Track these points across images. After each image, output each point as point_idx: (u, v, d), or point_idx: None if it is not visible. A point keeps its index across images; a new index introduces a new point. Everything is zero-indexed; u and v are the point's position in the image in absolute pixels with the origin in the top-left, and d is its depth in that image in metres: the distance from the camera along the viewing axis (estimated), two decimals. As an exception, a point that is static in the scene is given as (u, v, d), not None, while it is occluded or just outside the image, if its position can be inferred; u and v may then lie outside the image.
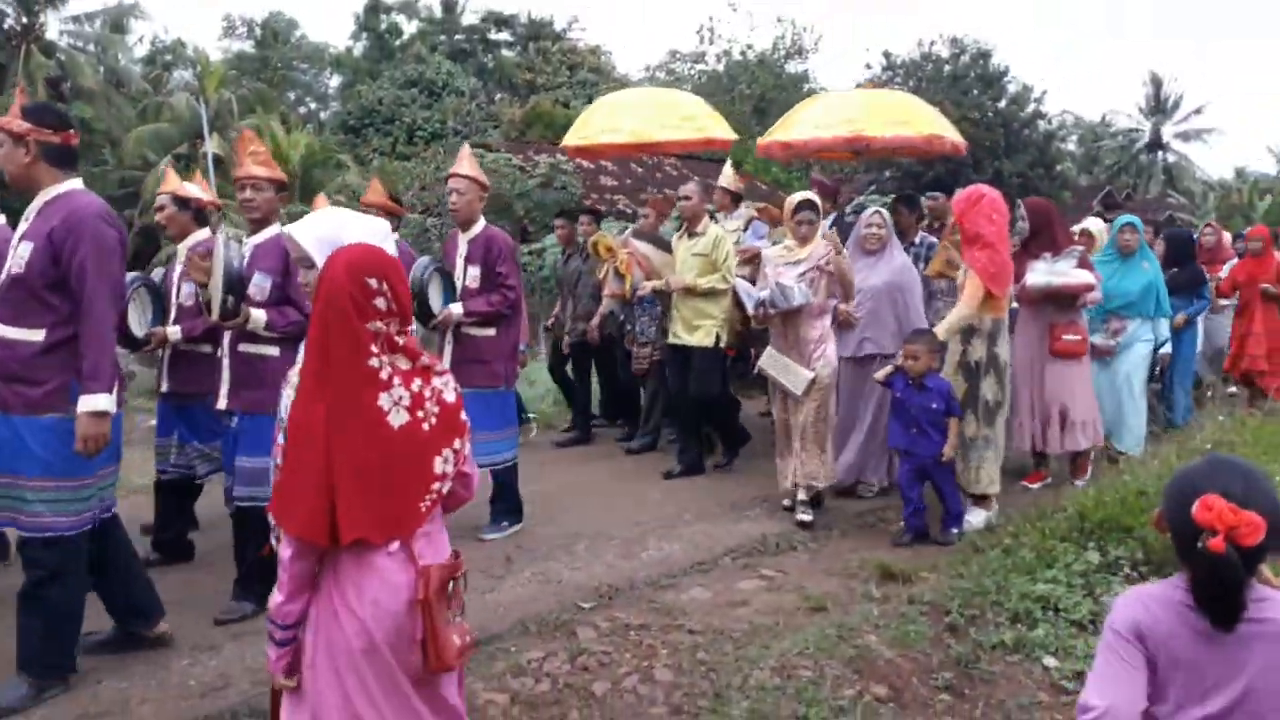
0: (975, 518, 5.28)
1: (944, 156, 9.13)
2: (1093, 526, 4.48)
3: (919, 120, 7.21)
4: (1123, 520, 4.42)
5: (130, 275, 4.41)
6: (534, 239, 15.39)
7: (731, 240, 6.91)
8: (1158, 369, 6.89)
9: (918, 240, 6.76)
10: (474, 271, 5.19)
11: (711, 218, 6.94)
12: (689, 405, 6.65)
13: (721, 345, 6.43)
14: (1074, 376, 5.92)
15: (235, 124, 26.38)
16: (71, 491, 3.37)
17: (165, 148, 26.29)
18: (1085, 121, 46.13)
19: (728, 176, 7.65)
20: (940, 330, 5.19)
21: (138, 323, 4.66)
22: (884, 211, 6.32)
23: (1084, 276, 5.74)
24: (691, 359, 6.44)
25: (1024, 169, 25.59)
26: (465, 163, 5.36)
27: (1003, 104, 26.83)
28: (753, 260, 6.85)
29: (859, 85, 9.35)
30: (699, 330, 6.39)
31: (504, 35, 40.83)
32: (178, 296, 4.84)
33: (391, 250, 2.40)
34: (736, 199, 7.66)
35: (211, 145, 19.70)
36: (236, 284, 3.93)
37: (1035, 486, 6.08)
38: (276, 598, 2.18)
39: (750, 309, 5.59)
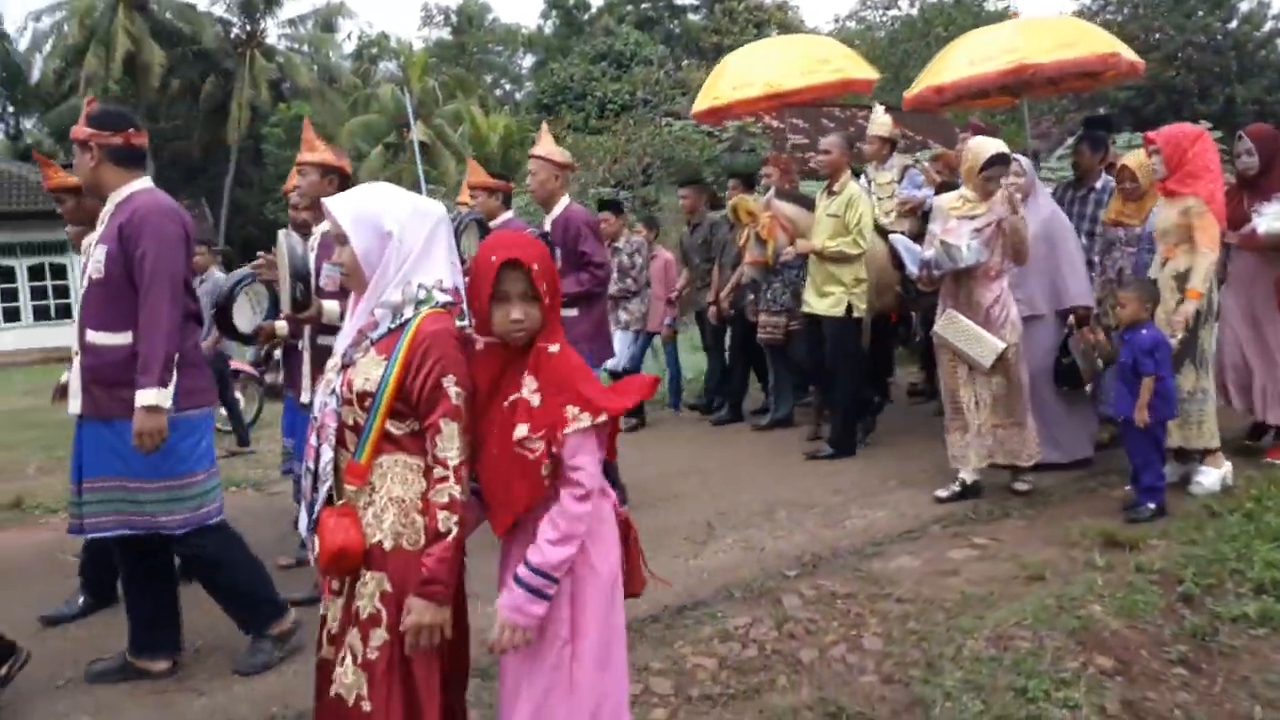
0: (1208, 478, 4.92)
1: (1125, 81, 8.01)
2: (1353, 488, 4.07)
3: (1088, 39, 6.43)
4: (1388, 481, 3.99)
5: (242, 270, 4.43)
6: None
7: (888, 193, 6.59)
8: None
9: (1099, 185, 6.04)
10: (555, 253, 4.95)
11: (856, 175, 6.51)
12: (828, 380, 6.35)
13: (855, 315, 6.06)
14: None
15: (439, 110, 27.68)
16: (181, 489, 3.40)
17: (375, 138, 27.95)
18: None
19: (879, 122, 7.02)
20: (1196, 282, 4.79)
21: (248, 318, 4.41)
22: (1022, 159, 5.60)
23: None
24: (822, 329, 6.17)
25: (1260, 94, 23.27)
26: (542, 142, 5.24)
27: (1233, 25, 24.43)
28: (913, 213, 6.54)
29: (1010, 13, 7.75)
30: (828, 298, 6.07)
31: (689, 0, 40.72)
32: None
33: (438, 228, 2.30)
34: (892, 146, 7.11)
35: (418, 133, 20.70)
36: (303, 274, 3.82)
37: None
38: (561, 551, 2.18)
39: (912, 269, 5.26)
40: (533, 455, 2.13)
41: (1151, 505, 4.61)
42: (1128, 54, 6.43)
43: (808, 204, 6.53)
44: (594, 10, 42.02)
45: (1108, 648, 3.34)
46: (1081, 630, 3.43)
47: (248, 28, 33.47)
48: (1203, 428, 4.94)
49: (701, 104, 7.86)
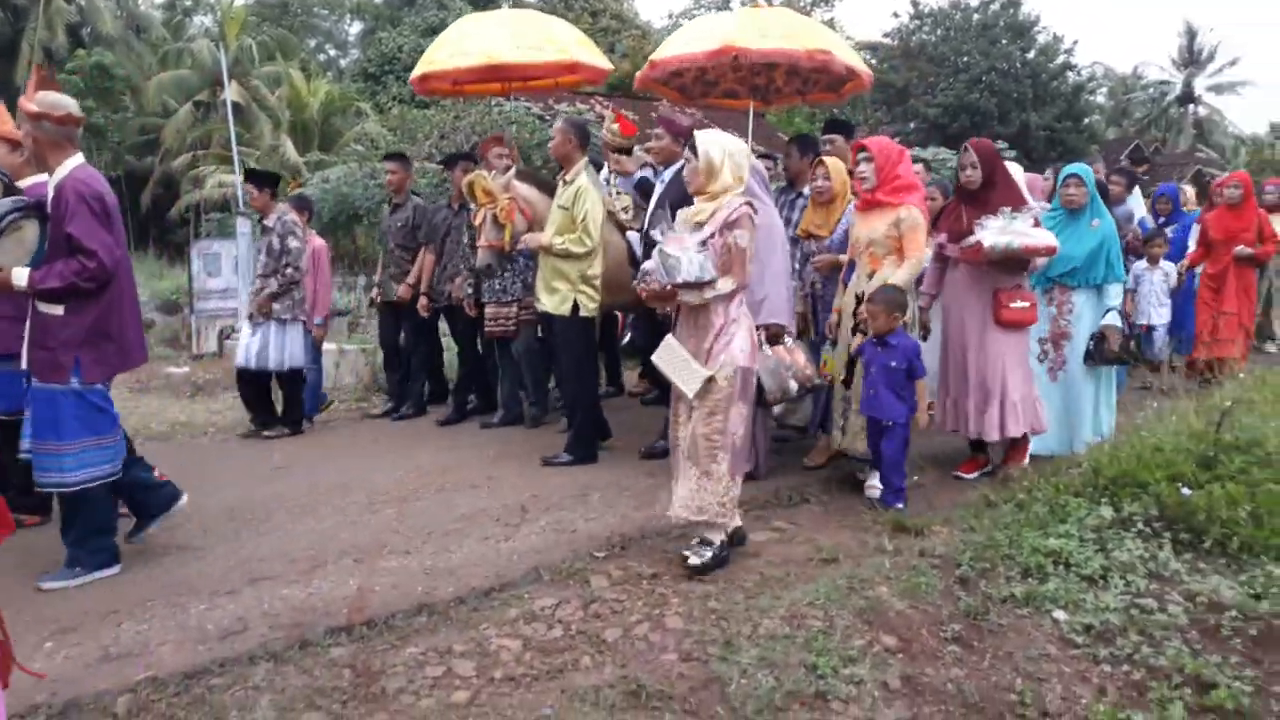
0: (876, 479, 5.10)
1: (859, 94, 8.15)
2: (1106, 482, 4.46)
3: (806, 36, 6.32)
4: (1138, 476, 4.40)
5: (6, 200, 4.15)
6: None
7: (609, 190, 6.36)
8: (1092, 344, 5.67)
9: (808, 191, 5.87)
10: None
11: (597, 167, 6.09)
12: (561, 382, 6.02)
13: (582, 314, 5.68)
14: (1015, 349, 5.25)
15: (255, 70, 26.30)
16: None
17: (186, 94, 26.29)
18: (1116, 73, 45.27)
19: (609, 128, 6.67)
20: (901, 280, 4.86)
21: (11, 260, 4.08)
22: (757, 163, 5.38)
23: (1046, 237, 5.03)
24: (553, 327, 5.91)
25: (1051, 122, 25.18)
26: (29, 92, 4.14)
27: (1031, 55, 26.32)
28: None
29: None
30: (555, 295, 5.71)
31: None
32: None
33: None
34: (625, 151, 6.86)
35: (232, 92, 19.62)
36: None
37: (972, 476, 5.47)
38: None
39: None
40: None
41: (900, 505, 4.80)
42: (848, 60, 6.35)
43: (552, 189, 6.11)
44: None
45: (892, 627, 3.53)
46: (869, 610, 3.62)
47: (44, -37, 30.74)
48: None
49: (417, 71, 7.35)
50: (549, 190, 6.08)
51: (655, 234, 4.16)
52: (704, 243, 4.01)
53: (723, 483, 4.09)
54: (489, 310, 6.66)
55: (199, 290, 12.98)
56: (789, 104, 7.94)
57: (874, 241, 5.00)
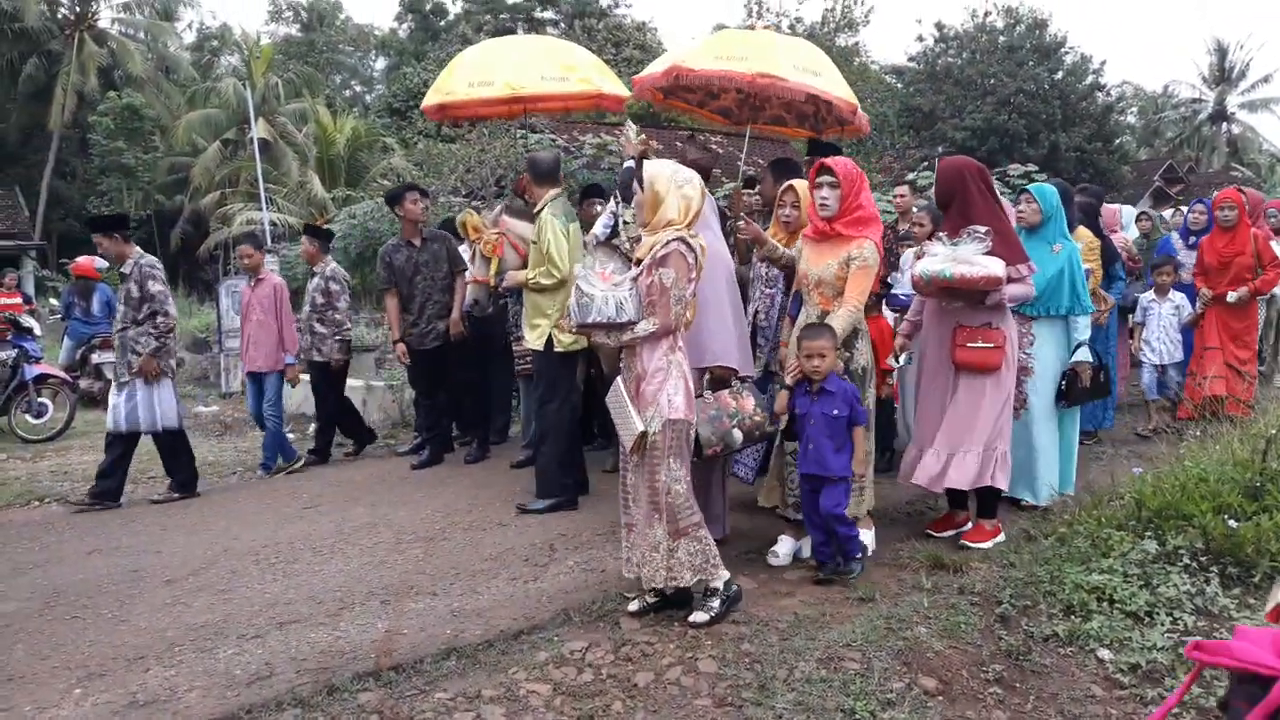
0: (784, 547, 4.65)
1: (845, 137, 7.69)
2: (1150, 514, 4.34)
3: (761, 59, 6.00)
4: (1182, 508, 4.27)
5: None
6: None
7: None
8: (1064, 383, 5.24)
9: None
10: None
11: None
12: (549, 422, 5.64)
13: (557, 348, 5.48)
14: (988, 395, 4.63)
15: (282, 107, 26.70)
16: None
17: (214, 133, 26.72)
18: (1146, 93, 44.96)
19: (630, 140, 6.57)
20: (837, 327, 4.26)
21: None
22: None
23: (992, 266, 4.40)
24: (537, 364, 5.72)
25: (1081, 143, 24.97)
26: None
27: (1059, 75, 26.16)
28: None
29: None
30: (535, 330, 5.56)
31: (548, 14, 40.72)
32: None
33: None
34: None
35: (258, 130, 19.88)
36: None
37: (947, 535, 4.93)
38: None
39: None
40: None
41: (859, 556, 4.36)
42: (800, 81, 5.95)
43: None
44: (451, 17, 41.50)
45: (931, 668, 3.44)
46: (907, 651, 3.52)
47: (76, 8, 31.45)
48: (865, 494, 4.57)
49: (433, 99, 7.07)
50: None
51: (578, 269, 3.88)
52: (633, 280, 3.72)
53: (663, 546, 3.75)
54: (517, 349, 6.57)
55: (227, 328, 13.08)
56: (774, 131, 7.66)
57: (823, 282, 4.45)
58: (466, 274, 6.14)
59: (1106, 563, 4.07)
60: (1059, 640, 3.64)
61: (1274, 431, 4.75)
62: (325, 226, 9.86)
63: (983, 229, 4.44)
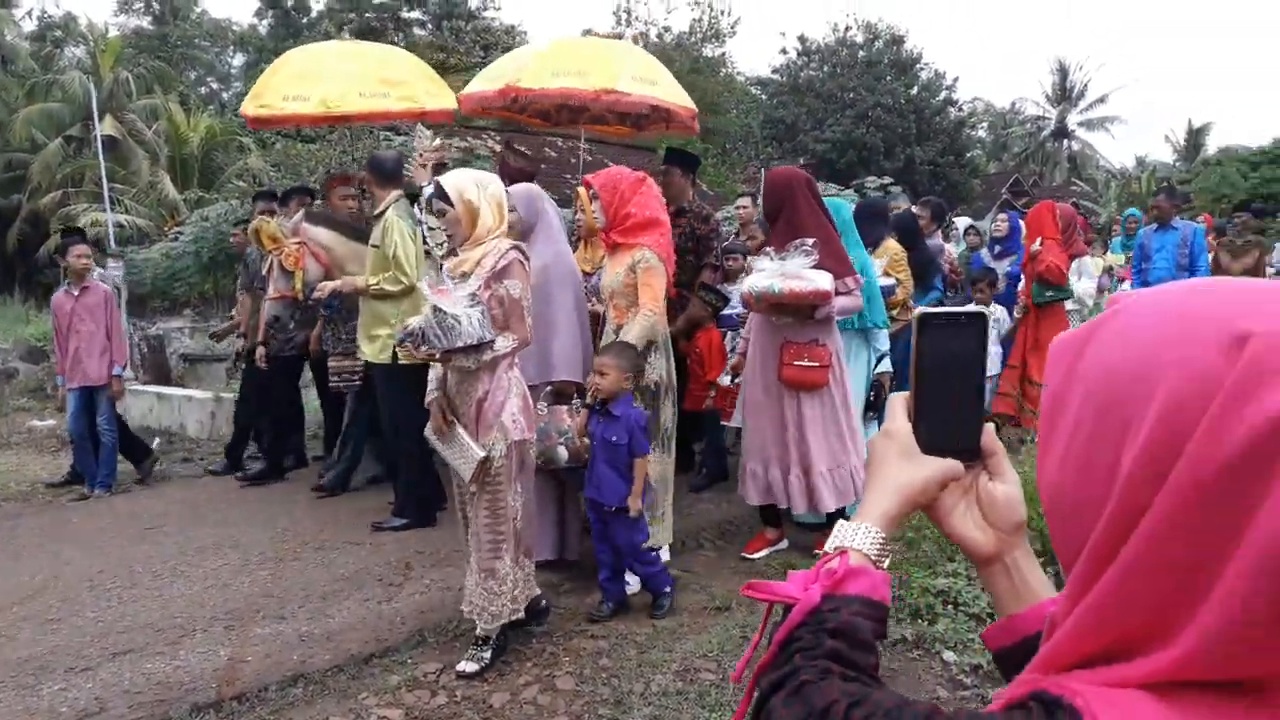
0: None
1: (682, 135, 7.83)
2: (994, 519, 4.49)
3: (599, 72, 5.86)
4: (1021, 511, 4.44)
5: None
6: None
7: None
8: (872, 394, 5.11)
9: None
10: None
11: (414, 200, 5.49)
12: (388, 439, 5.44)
13: (402, 361, 5.02)
14: (819, 412, 4.53)
15: (132, 104, 25.43)
16: None
17: (56, 129, 25.22)
18: (995, 109, 47.19)
19: (425, 145, 5.75)
20: (632, 336, 4.13)
21: None
22: (514, 191, 4.42)
23: (820, 280, 4.29)
24: (374, 378, 5.39)
25: (935, 156, 26.02)
26: None
27: (915, 91, 27.20)
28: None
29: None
30: (375, 342, 5.25)
31: (416, 14, 40.03)
32: None
33: None
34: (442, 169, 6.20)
35: (103, 127, 18.87)
36: None
37: (760, 555, 4.78)
38: None
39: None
40: None
41: (667, 590, 4.12)
42: (645, 94, 5.95)
43: (352, 230, 5.69)
44: (314, 14, 40.33)
45: (785, 677, 3.49)
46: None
47: (-101, -10, 29.26)
48: (665, 520, 4.49)
49: (249, 108, 6.66)
50: (352, 232, 5.66)
51: (422, 286, 3.63)
52: (473, 295, 3.45)
53: (509, 579, 3.57)
54: (332, 363, 6.02)
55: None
56: (629, 135, 7.51)
57: (616, 293, 4.33)
58: (270, 288, 5.66)
59: (952, 566, 4.22)
60: (906, 644, 3.75)
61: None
62: (176, 230, 9.39)
63: (810, 242, 4.34)
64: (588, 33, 31.65)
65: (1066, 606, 0.66)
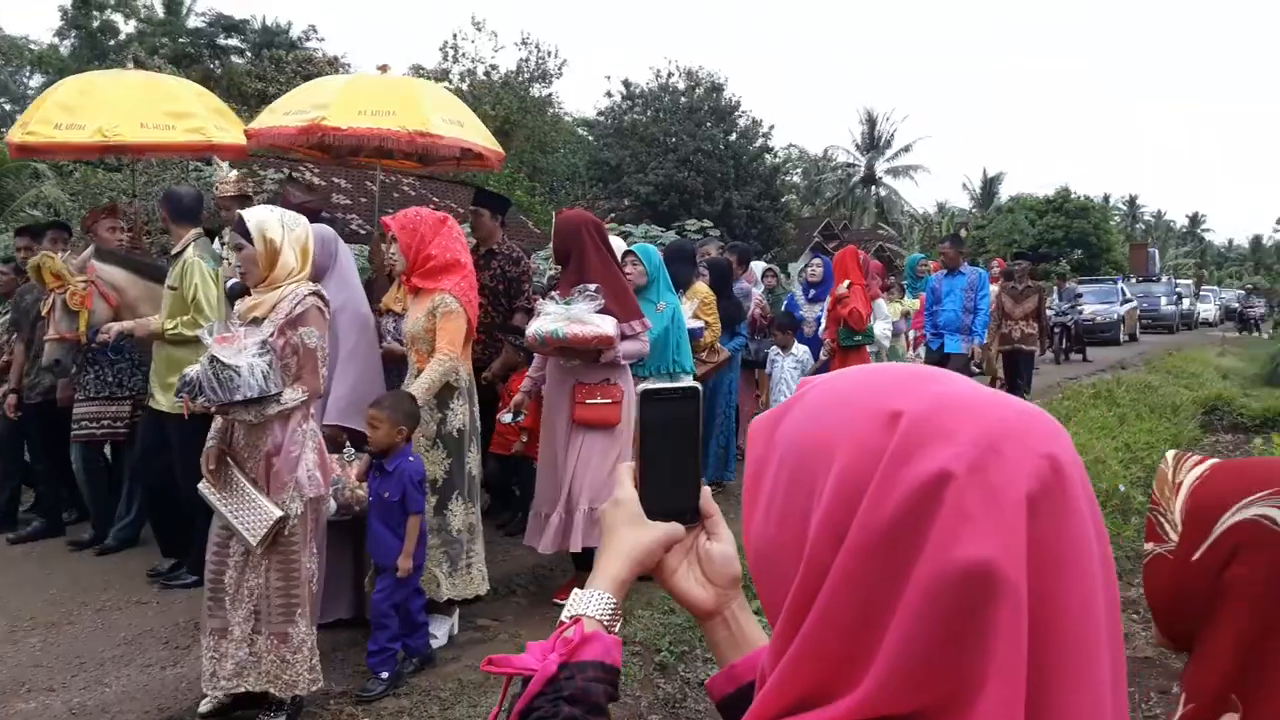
0: (441, 627, 4.27)
1: (483, 170, 7.78)
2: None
3: (409, 113, 5.73)
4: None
5: None
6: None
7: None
8: None
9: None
10: None
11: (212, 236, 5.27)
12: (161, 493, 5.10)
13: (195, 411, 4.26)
14: (607, 453, 4.52)
15: (-94, 124, 23.38)
16: None
17: None
18: (809, 155, 49.50)
19: (225, 180, 5.53)
20: (419, 389, 3.97)
21: None
22: (319, 226, 4.29)
23: (604, 325, 4.30)
24: (166, 430, 4.96)
25: (752, 200, 26.97)
26: None
27: (734, 137, 28.16)
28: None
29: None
30: (170, 390, 4.74)
31: (233, 41, 38.63)
32: None
33: None
34: (246, 202, 5.52)
35: None
36: None
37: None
38: None
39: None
40: None
41: (385, 674, 3.78)
42: (455, 136, 5.85)
43: (147, 269, 5.37)
44: (122, 37, 38.25)
45: (590, 726, 3.46)
46: (567, 711, 3.53)
47: None
48: (473, 570, 4.30)
49: (15, 134, 6.23)
50: (147, 271, 5.35)
51: (202, 334, 3.40)
52: (264, 343, 3.24)
53: (306, 645, 3.35)
54: (95, 408, 5.61)
55: None
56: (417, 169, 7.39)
57: (416, 338, 4.20)
58: (50, 329, 5.18)
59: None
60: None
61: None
62: None
63: (593, 287, 4.37)
64: (417, 69, 31.36)
65: (771, 661, 0.71)
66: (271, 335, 3.27)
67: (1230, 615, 1.02)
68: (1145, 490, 6.15)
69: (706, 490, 0.96)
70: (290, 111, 5.95)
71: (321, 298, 3.47)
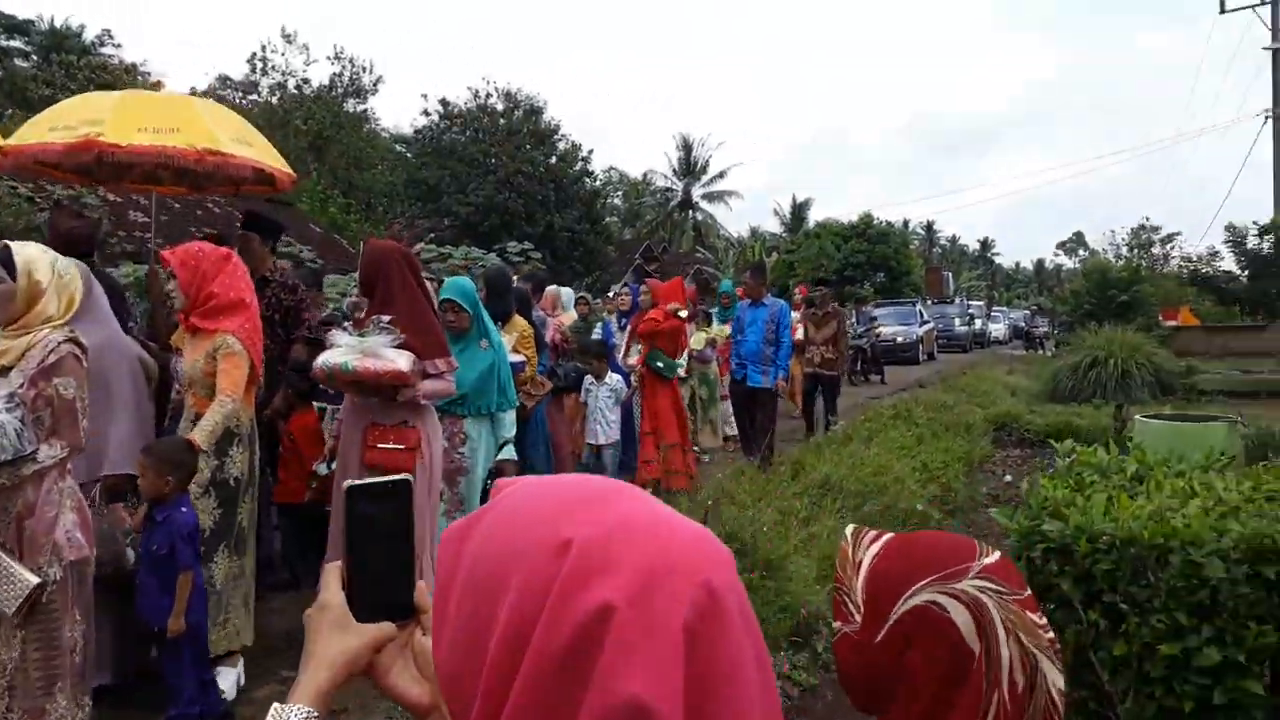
0: (226, 680, 3.97)
1: (274, 194, 7.26)
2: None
3: (194, 131, 5.42)
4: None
5: None
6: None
7: None
8: (491, 482, 4.38)
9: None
10: None
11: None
12: None
13: None
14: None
15: None
16: None
17: None
18: (629, 179, 50.39)
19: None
20: (200, 435, 3.69)
21: None
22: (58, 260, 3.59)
23: (399, 360, 3.99)
24: None
25: (572, 223, 27.24)
26: None
27: (554, 160, 28.38)
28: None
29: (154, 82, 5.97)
30: None
31: (17, 43, 35.84)
32: None
33: None
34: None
35: None
36: None
37: None
38: None
39: None
40: None
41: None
42: (249, 156, 5.62)
43: None
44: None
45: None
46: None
47: None
48: (230, 623, 3.99)
49: None
50: None
51: None
52: (12, 396, 2.91)
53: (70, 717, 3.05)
54: None
55: None
56: (187, 194, 6.81)
57: (194, 381, 3.96)
58: None
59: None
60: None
61: (710, 502, 5.45)
62: None
63: (386, 319, 4.06)
64: (224, 79, 30.01)
65: None
66: (21, 386, 2.95)
67: (909, 694, 1.13)
68: (941, 508, 6.56)
69: (421, 585, 0.94)
70: (57, 127, 5.38)
71: (78, 344, 3.14)
